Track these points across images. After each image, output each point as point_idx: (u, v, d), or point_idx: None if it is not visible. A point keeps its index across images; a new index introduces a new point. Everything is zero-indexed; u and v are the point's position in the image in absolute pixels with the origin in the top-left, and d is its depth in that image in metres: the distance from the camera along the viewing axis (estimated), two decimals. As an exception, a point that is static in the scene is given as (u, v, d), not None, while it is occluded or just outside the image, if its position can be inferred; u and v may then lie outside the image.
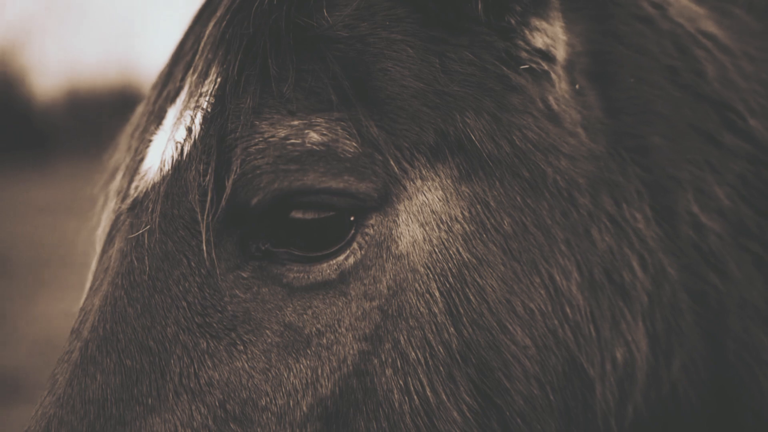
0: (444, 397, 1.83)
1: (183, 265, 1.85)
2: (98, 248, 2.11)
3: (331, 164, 1.80)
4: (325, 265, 1.81)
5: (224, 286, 1.83)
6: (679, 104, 2.08)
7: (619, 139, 2.02)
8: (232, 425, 1.80)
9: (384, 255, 1.83)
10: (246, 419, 1.80)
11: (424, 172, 1.86)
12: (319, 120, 1.81)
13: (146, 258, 1.88)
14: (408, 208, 1.85)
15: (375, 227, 1.84)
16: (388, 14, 1.90)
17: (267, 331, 1.82)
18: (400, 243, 1.84)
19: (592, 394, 1.94)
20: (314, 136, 1.80)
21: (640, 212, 2.01)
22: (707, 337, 2.06)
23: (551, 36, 1.99)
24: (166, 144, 1.97)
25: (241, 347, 1.81)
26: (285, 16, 1.88)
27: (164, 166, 1.93)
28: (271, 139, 1.81)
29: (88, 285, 2.08)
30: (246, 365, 1.81)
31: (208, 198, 1.81)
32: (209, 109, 1.88)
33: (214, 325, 1.82)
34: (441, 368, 1.83)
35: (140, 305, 1.85)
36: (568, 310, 1.92)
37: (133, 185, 2.01)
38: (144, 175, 1.98)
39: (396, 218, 1.84)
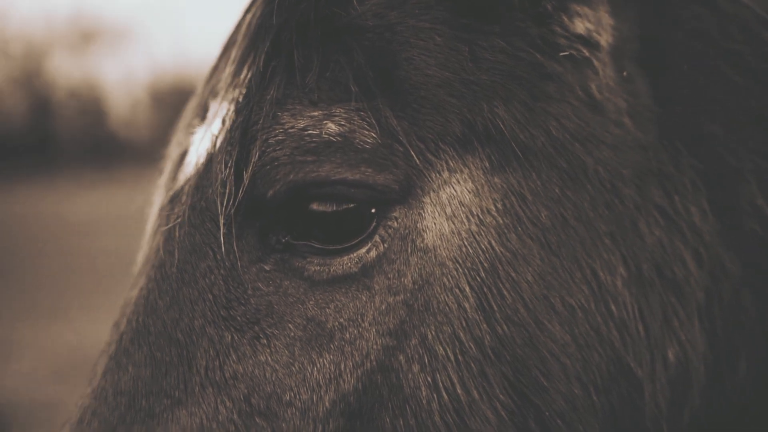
0: (476, 395, 1.76)
1: (209, 258, 1.83)
2: (145, 241, 2.12)
3: (348, 155, 1.75)
4: (345, 258, 1.77)
5: (247, 278, 1.81)
6: (741, 91, 1.95)
7: (672, 128, 1.90)
8: (257, 419, 1.77)
9: (409, 248, 1.77)
10: (271, 414, 1.77)
11: (451, 164, 1.79)
12: (339, 110, 1.77)
13: (176, 250, 1.88)
14: (434, 201, 1.78)
15: (399, 220, 1.78)
16: (419, 2, 1.84)
17: (290, 325, 1.78)
18: (426, 236, 1.78)
19: (641, 395, 1.84)
20: (332, 127, 1.76)
21: (696, 205, 1.89)
22: None
23: (594, 21, 1.89)
24: (203, 137, 1.97)
25: (265, 341, 1.79)
26: (314, 6, 1.86)
27: (199, 159, 1.94)
28: (290, 130, 1.78)
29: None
30: (269, 359, 1.78)
31: (227, 190, 1.79)
32: (239, 101, 1.87)
33: (238, 318, 1.80)
34: (473, 365, 1.76)
35: (169, 297, 1.86)
36: (612, 307, 1.82)
37: (176, 178, 2.02)
38: (184, 168, 1.99)
39: (421, 211, 1.78)
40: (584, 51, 1.86)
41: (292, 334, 1.78)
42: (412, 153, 1.75)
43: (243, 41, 1.95)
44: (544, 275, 1.79)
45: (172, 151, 2.16)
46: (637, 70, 1.91)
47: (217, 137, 1.89)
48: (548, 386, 1.78)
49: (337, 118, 1.77)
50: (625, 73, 1.89)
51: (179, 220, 1.90)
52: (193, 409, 1.79)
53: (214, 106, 2.00)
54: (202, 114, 2.05)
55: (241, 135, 1.81)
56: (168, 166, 2.14)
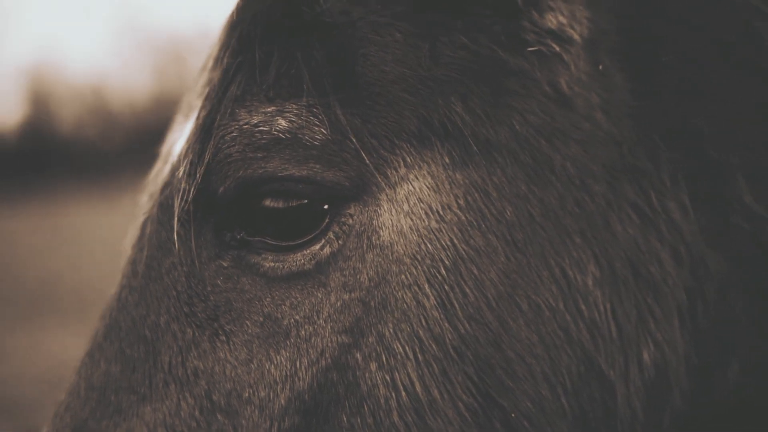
0: (437, 394, 1.72)
1: (173, 255, 1.84)
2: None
3: (297, 152, 1.74)
4: (299, 254, 1.75)
5: (207, 275, 1.81)
6: (731, 82, 1.86)
7: (652, 122, 1.82)
8: (218, 416, 1.76)
9: (365, 245, 1.75)
10: (231, 410, 1.76)
11: (408, 160, 1.76)
12: (292, 107, 1.76)
13: (145, 247, 1.89)
14: (391, 197, 1.75)
15: (354, 216, 1.76)
16: None
17: (247, 322, 1.78)
18: (382, 233, 1.75)
19: (613, 398, 1.77)
20: (282, 123, 1.75)
21: (676, 201, 1.81)
22: None
23: (567, 14, 1.83)
24: (180, 134, 1.99)
25: (224, 338, 1.78)
26: (281, 2, 1.84)
27: (172, 155, 1.95)
28: (244, 127, 1.77)
29: None
30: (229, 356, 1.78)
31: (182, 186, 1.79)
32: (206, 99, 1.87)
33: (199, 314, 1.80)
34: (433, 364, 1.72)
35: (138, 294, 1.87)
36: (582, 306, 1.76)
37: (157, 177, 2.03)
38: (163, 168, 2.00)
39: (377, 207, 1.75)
40: (554, 46, 1.81)
41: (250, 330, 1.77)
42: (361, 150, 1.72)
43: (220, 37, 1.95)
44: (510, 273, 1.74)
45: (163, 148, 2.18)
46: (616, 63, 1.84)
47: (189, 136, 1.89)
48: (514, 387, 1.73)
49: (288, 115, 1.75)
50: (600, 67, 1.82)
51: (149, 216, 1.91)
52: (157, 405, 1.79)
53: (193, 103, 2.01)
54: (187, 113, 2.06)
55: (203, 132, 1.82)
56: (156, 165, 2.16)
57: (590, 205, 1.78)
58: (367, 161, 1.73)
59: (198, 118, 1.85)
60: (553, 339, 1.75)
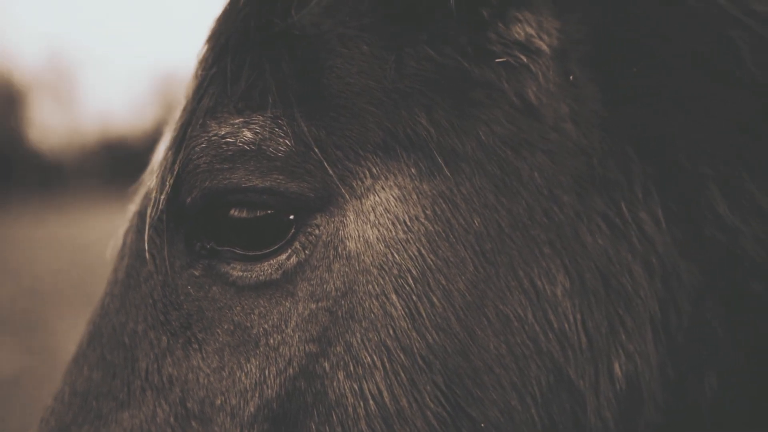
0: (405, 403, 1.73)
1: (150, 263, 1.87)
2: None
3: (261, 163, 1.76)
4: (266, 264, 1.77)
5: (180, 284, 1.84)
6: (705, 93, 1.84)
7: (623, 133, 1.82)
8: (193, 423, 1.79)
9: (331, 255, 1.76)
10: (205, 418, 1.79)
11: (374, 171, 1.77)
12: (258, 118, 1.78)
13: (126, 256, 1.92)
14: (357, 208, 1.77)
15: (321, 227, 1.77)
16: (352, 10, 1.83)
17: (218, 330, 1.80)
18: (348, 243, 1.76)
19: (583, 409, 1.77)
20: (247, 135, 1.77)
21: (648, 212, 1.80)
22: (753, 351, 1.82)
23: (536, 26, 1.83)
24: (164, 144, 2.02)
25: (196, 345, 1.81)
26: (255, 14, 1.87)
27: (153, 165, 1.98)
28: (213, 138, 1.80)
29: None
30: (201, 363, 1.80)
31: (153, 196, 1.83)
32: (183, 110, 1.90)
33: (173, 322, 1.83)
34: (402, 373, 1.73)
35: (119, 301, 1.91)
36: (552, 317, 1.75)
37: (140, 187, 2.07)
38: (147, 178, 2.04)
39: (343, 218, 1.77)
40: (522, 57, 1.81)
41: (221, 339, 1.80)
42: (325, 161, 1.74)
43: (200, 50, 1.98)
44: (478, 284, 1.75)
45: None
46: (587, 73, 1.84)
47: (165, 145, 1.93)
48: (483, 397, 1.74)
49: (254, 126, 1.77)
50: (571, 77, 1.82)
51: (129, 226, 1.95)
52: (134, 411, 1.83)
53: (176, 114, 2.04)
54: (172, 122, 2.10)
55: (177, 143, 1.85)
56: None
57: (559, 216, 1.77)
58: (331, 172, 1.74)
59: (174, 129, 1.89)
60: (521, 349, 1.75)
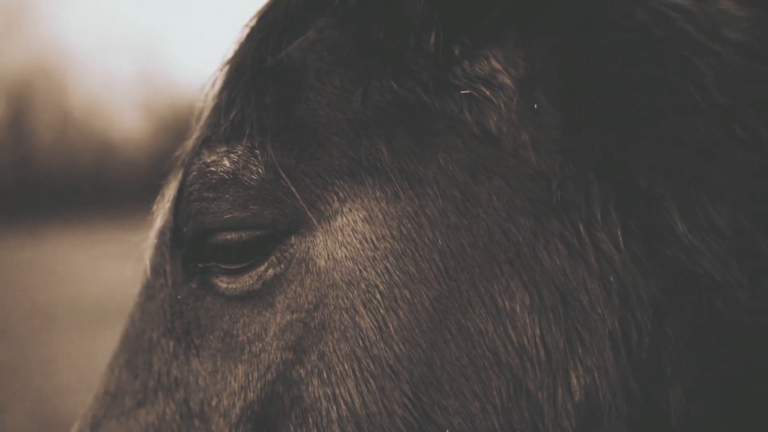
0: (375, 409, 1.87)
1: (162, 277, 2.09)
2: None
3: (239, 192, 1.94)
4: (247, 275, 1.96)
5: (183, 295, 2.06)
6: (665, 118, 1.90)
7: (584, 157, 1.90)
8: (195, 421, 2.01)
9: (303, 271, 1.93)
10: (204, 416, 2.00)
11: (341, 195, 1.92)
12: (238, 148, 1.96)
13: (148, 269, 2.16)
14: (326, 229, 1.92)
15: (294, 246, 1.94)
16: (332, 44, 1.99)
17: (211, 337, 2.01)
18: (318, 261, 1.92)
19: (542, 419, 1.87)
20: (226, 164, 1.96)
21: (606, 233, 1.88)
22: (719, 369, 1.88)
23: (502, 60, 1.93)
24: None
25: (194, 351, 2.02)
26: (253, 48, 2.06)
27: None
28: (201, 166, 2.00)
29: None
30: (199, 367, 2.01)
31: (166, 217, 2.07)
32: (193, 138, 2.12)
33: (178, 329, 2.05)
34: (371, 381, 1.88)
35: (141, 310, 2.15)
36: (511, 331, 1.86)
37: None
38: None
39: (314, 238, 1.93)
40: (485, 91, 1.91)
41: (214, 345, 2.00)
42: (292, 187, 1.91)
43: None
44: (441, 299, 1.87)
45: None
46: (551, 101, 1.92)
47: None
48: (447, 405, 1.86)
49: (232, 156, 1.96)
50: (536, 106, 1.91)
51: (152, 241, 2.19)
52: (149, 408, 2.06)
53: None
54: None
55: (183, 168, 2.07)
56: None
57: (517, 237, 1.87)
58: (298, 197, 1.91)
59: (182, 155, 2.12)
60: (482, 361, 1.86)
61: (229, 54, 2.12)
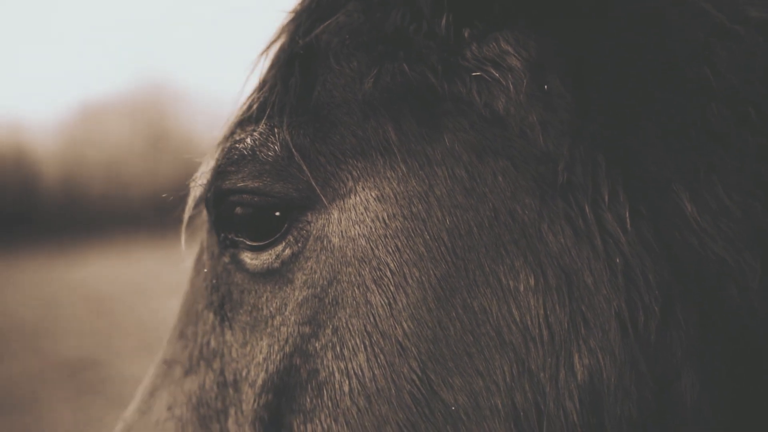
0: (384, 383, 1.93)
1: (206, 254, 2.24)
2: None
3: (256, 166, 2.03)
4: (265, 254, 2.05)
5: (219, 270, 2.17)
6: (677, 101, 1.87)
7: (593, 140, 1.89)
8: (230, 389, 2.14)
9: (319, 248, 2.00)
10: (237, 387, 2.12)
11: (355, 174, 1.98)
12: (261, 127, 2.06)
13: (199, 249, 2.32)
14: (341, 207, 1.99)
15: (311, 223, 2.01)
16: (356, 29, 2.06)
17: (241, 311, 2.12)
18: (333, 238, 1.99)
19: (544, 398, 1.87)
20: (248, 142, 2.06)
21: (613, 214, 1.86)
22: (730, 355, 1.84)
23: (512, 42, 1.94)
24: None
25: (228, 323, 2.14)
26: (289, 34, 2.16)
27: None
28: (228, 143, 2.11)
29: None
30: (232, 339, 2.14)
31: (190, 195, 2.19)
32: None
33: (215, 302, 2.18)
34: (382, 356, 1.94)
35: (192, 285, 2.30)
36: (515, 311, 1.88)
37: None
38: None
39: (329, 216, 2.00)
40: (494, 72, 1.93)
41: (244, 318, 2.11)
42: (305, 165, 1.99)
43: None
44: (448, 278, 1.91)
45: None
46: (562, 84, 1.92)
47: None
48: (452, 382, 1.90)
49: (255, 134, 2.06)
50: (546, 87, 1.92)
51: (204, 224, 2.34)
52: (192, 377, 2.21)
53: None
54: None
55: (220, 147, 2.20)
56: None
57: (522, 217, 1.89)
58: (308, 173, 1.99)
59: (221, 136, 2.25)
60: (486, 340, 1.88)
61: (271, 38, 2.24)
